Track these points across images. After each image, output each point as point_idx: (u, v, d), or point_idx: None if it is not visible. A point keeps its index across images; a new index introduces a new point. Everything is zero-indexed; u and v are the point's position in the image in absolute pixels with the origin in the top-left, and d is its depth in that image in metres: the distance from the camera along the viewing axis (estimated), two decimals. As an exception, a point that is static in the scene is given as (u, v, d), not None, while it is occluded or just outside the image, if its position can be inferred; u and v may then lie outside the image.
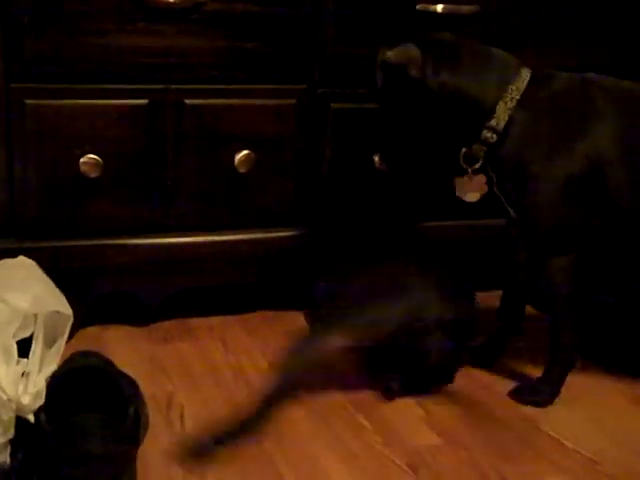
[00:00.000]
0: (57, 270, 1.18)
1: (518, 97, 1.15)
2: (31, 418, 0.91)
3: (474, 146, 1.18)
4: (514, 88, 1.15)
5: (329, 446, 1.08)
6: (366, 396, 1.20)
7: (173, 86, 1.30)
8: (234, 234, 1.39)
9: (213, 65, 1.32)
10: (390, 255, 1.43)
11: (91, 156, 1.26)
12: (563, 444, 1.12)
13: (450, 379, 1.24)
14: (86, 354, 1.06)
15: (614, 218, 1.19)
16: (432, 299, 1.19)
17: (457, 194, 1.26)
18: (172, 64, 1.29)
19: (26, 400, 0.90)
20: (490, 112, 1.15)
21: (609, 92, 1.17)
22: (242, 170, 1.35)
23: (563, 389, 1.23)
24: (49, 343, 0.96)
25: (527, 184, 1.16)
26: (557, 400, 1.22)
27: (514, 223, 1.28)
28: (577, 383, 1.25)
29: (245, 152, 1.34)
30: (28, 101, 1.23)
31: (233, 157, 1.34)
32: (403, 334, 1.16)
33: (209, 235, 1.38)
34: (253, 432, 1.05)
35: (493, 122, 1.15)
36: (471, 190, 1.24)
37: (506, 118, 1.15)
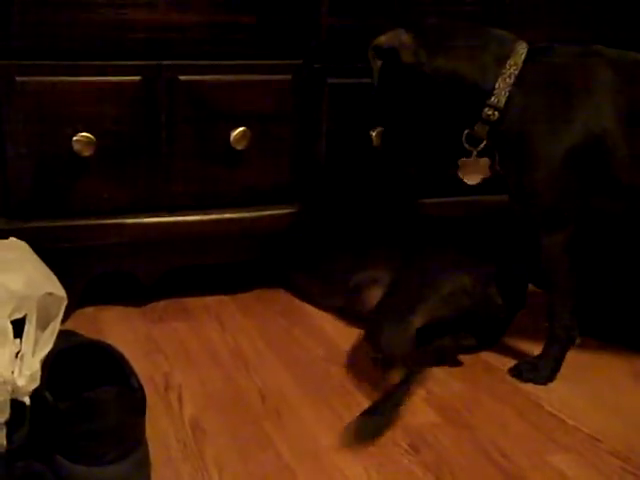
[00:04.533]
0: (51, 251, 1.16)
1: (517, 72, 1.13)
2: (27, 400, 0.90)
3: (476, 126, 1.17)
4: (512, 63, 1.13)
5: (330, 427, 1.07)
6: (367, 377, 1.19)
7: (166, 62, 1.28)
8: (230, 212, 1.38)
9: (207, 40, 1.30)
10: (389, 233, 1.43)
11: (84, 134, 1.24)
12: (564, 421, 1.11)
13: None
14: (70, 334, 1.04)
15: (614, 195, 1.17)
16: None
17: (459, 175, 1.25)
18: (165, 39, 1.27)
19: (22, 382, 0.89)
20: (490, 90, 1.14)
21: (612, 63, 1.14)
22: (238, 147, 1.33)
23: (563, 365, 1.22)
24: (42, 325, 0.95)
25: (526, 161, 1.15)
26: (557, 376, 1.21)
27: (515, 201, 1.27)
28: (577, 359, 1.25)
29: (241, 129, 1.32)
30: (18, 78, 1.21)
31: (229, 134, 1.32)
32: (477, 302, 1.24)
33: (204, 214, 1.36)
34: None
35: (493, 99, 1.14)
36: (474, 173, 1.23)
37: (506, 94, 1.13)
